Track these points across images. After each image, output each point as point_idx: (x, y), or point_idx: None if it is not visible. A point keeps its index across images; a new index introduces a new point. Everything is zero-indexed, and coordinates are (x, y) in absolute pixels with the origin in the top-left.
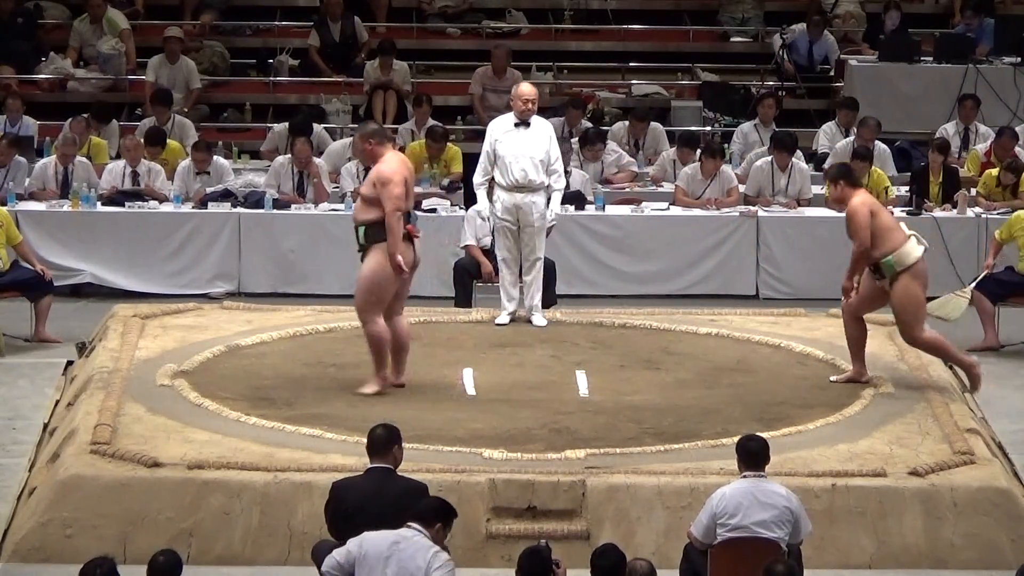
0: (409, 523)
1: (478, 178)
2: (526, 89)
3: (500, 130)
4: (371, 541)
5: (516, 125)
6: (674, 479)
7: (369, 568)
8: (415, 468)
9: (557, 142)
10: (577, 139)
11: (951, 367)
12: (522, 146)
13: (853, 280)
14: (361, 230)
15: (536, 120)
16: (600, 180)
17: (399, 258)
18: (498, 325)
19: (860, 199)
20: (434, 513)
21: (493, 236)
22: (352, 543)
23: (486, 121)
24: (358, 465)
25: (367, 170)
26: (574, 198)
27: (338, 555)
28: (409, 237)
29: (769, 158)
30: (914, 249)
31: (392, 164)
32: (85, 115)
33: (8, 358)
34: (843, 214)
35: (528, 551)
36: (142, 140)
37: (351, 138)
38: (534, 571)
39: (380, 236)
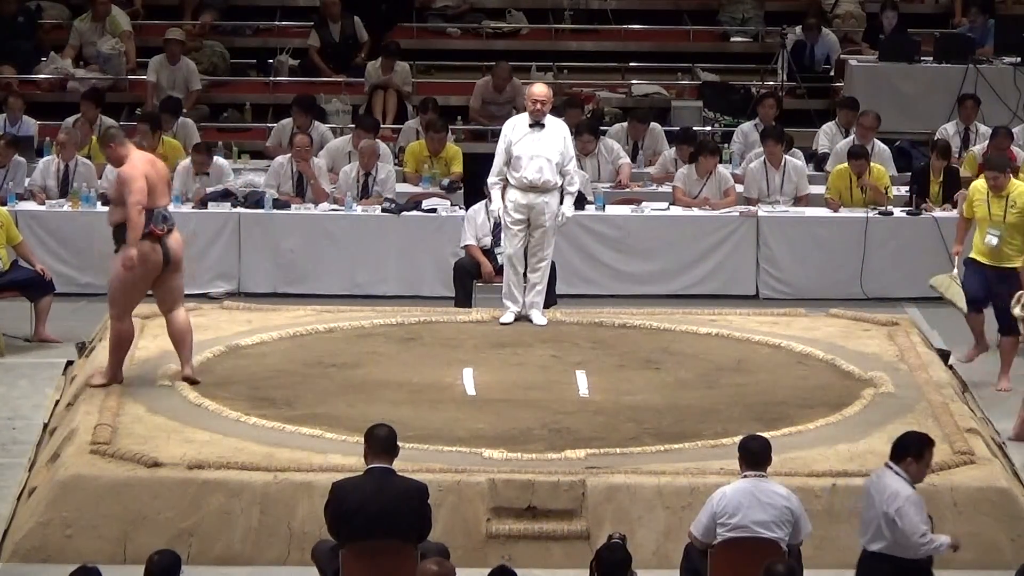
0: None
1: (493, 177)
2: (537, 90)
3: (515, 130)
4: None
5: (531, 127)
6: (674, 479)
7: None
8: (415, 468)
9: (571, 142)
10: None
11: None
12: (537, 147)
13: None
14: (111, 232)
15: (551, 120)
16: (597, 178)
17: (133, 252)
18: (502, 324)
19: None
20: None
21: (495, 235)
22: None
23: (484, 124)
24: (358, 465)
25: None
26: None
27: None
28: (156, 236)
29: (762, 158)
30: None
31: (134, 163)
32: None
33: (8, 358)
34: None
35: (606, 545)
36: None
37: (351, 135)
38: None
39: (122, 238)
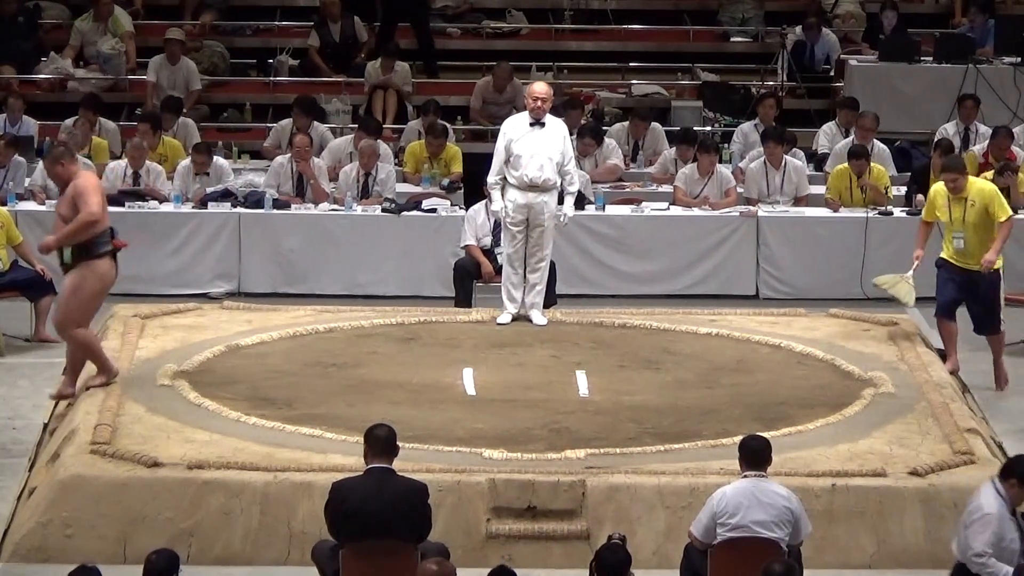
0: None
1: (492, 177)
2: (538, 88)
3: (515, 129)
4: None
5: (531, 125)
6: (674, 479)
7: None
8: (415, 468)
9: (571, 142)
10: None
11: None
12: (536, 146)
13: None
14: (67, 251)
15: (551, 120)
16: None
17: (49, 240)
18: (499, 324)
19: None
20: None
21: (495, 235)
22: None
23: (485, 124)
24: (358, 465)
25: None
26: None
27: None
28: (114, 252)
29: (762, 158)
30: None
31: (88, 177)
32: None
33: (8, 358)
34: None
35: (606, 545)
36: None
37: (352, 135)
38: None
39: (85, 254)
